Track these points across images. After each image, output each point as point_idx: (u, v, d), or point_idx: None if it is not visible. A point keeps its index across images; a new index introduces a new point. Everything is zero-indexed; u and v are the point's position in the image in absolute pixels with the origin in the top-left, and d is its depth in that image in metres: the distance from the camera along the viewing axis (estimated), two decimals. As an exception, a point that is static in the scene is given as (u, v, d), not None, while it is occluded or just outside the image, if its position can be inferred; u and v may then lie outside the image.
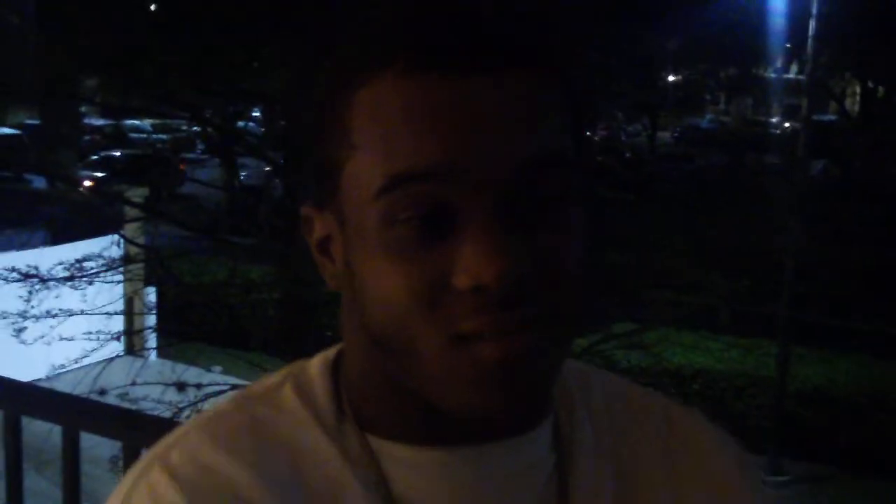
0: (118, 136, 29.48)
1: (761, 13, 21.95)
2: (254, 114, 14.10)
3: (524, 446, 0.89)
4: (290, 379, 0.92)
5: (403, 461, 0.87)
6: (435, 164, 0.74)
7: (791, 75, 37.55)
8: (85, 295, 9.31)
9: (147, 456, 0.88)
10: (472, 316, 0.75)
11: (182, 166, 22.17)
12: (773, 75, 36.34)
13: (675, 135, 42.10)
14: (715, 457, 1.00)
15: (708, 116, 48.94)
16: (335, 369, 0.92)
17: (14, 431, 2.30)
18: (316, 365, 0.93)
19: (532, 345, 0.77)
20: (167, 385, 8.92)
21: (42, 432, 2.26)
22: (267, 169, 13.40)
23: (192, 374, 10.04)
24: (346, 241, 0.81)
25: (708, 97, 49.52)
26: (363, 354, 0.86)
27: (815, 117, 18.10)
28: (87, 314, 9.23)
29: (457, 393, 0.78)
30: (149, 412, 6.11)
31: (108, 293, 9.68)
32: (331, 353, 0.94)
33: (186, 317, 12.85)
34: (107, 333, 9.23)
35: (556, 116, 0.78)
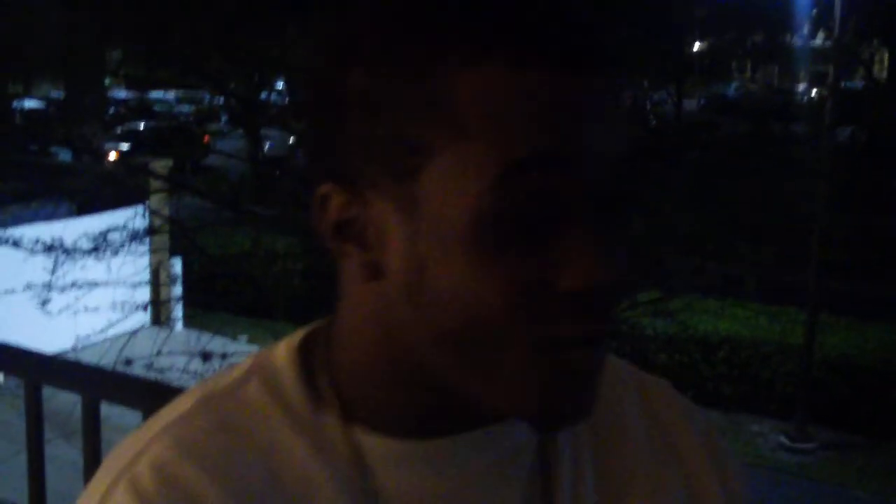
0: (142, 109, 29.49)
1: (788, -21, 21.73)
2: (278, 85, 14.08)
3: (508, 431, 0.87)
4: (256, 371, 0.88)
5: (388, 454, 0.84)
6: (554, 150, 0.72)
7: (818, 42, 37.20)
8: (110, 266, 9.34)
9: (114, 463, 0.83)
10: (574, 320, 0.73)
11: (206, 138, 22.19)
12: (799, 42, 36.03)
13: (702, 103, 41.84)
14: (683, 433, 0.99)
15: (734, 84, 48.58)
16: (305, 356, 0.88)
17: (34, 400, 2.30)
18: (282, 354, 0.89)
19: (605, 353, 0.77)
20: (192, 355, 8.95)
21: (69, 402, 2.27)
22: (291, 140, 13.40)
23: (217, 343, 10.07)
24: (416, 235, 0.75)
25: (734, 65, 49.16)
26: (372, 348, 0.82)
27: (842, 84, 17.94)
28: (112, 285, 9.27)
29: (539, 398, 0.76)
30: (174, 382, 6.14)
31: (133, 264, 9.72)
32: (295, 339, 0.90)
33: (212, 287, 12.90)
34: (132, 304, 9.26)
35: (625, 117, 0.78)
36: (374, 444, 0.83)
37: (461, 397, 0.78)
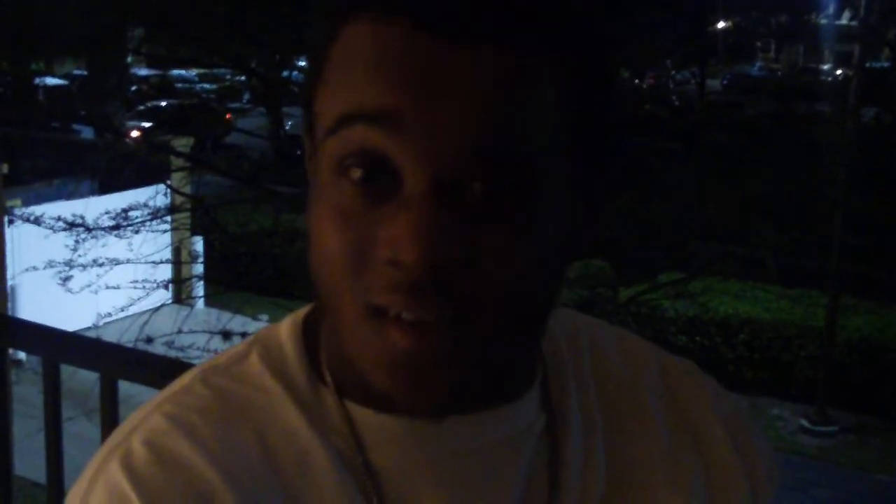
0: (165, 87, 29.60)
1: (814, -42, 21.55)
2: (299, 63, 14.08)
3: (511, 414, 0.86)
4: (257, 346, 0.88)
5: (382, 430, 0.83)
6: (385, 108, 0.70)
7: (843, 21, 36.94)
8: (131, 244, 9.38)
9: (112, 439, 0.84)
10: (386, 290, 0.71)
11: (227, 116, 22.24)
12: (824, 21, 35.80)
13: (725, 83, 41.63)
14: (705, 416, 0.97)
15: (758, 64, 48.33)
16: (308, 331, 0.88)
17: (52, 377, 2.31)
18: (286, 329, 0.89)
19: (449, 343, 0.72)
20: (213, 333, 8.98)
21: (90, 380, 2.27)
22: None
23: (237, 322, 10.11)
24: (309, 186, 0.78)
25: (758, 44, 48.90)
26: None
27: (867, 64, 17.79)
28: (133, 263, 9.31)
29: (370, 368, 0.75)
30: (194, 360, 6.16)
31: (154, 242, 9.75)
32: (300, 314, 0.90)
33: (233, 266, 12.93)
34: (153, 282, 9.30)
35: (540, 109, 0.72)
36: (369, 420, 0.83)
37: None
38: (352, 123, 0.71)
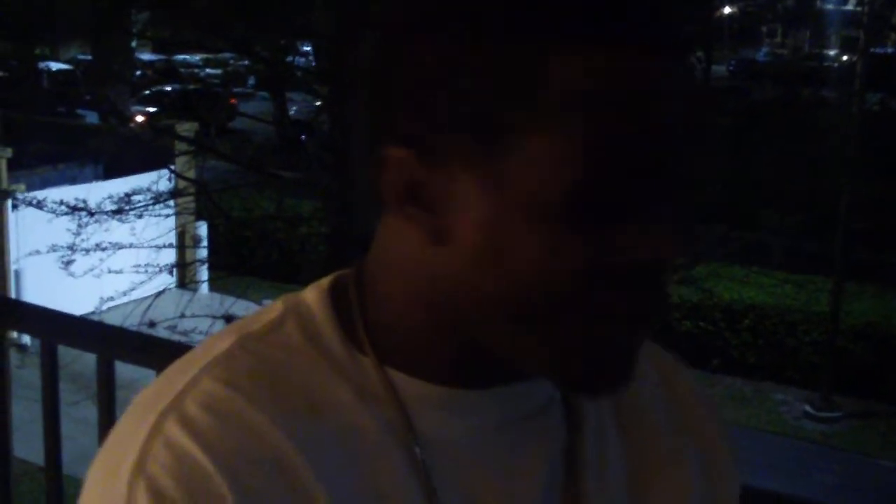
0: (169, 72, 29.54)
1: (820, -58, 21.44)
2: (304, 48, 14.05)
3: (535, 389, 0.86)
4: (291, 314, 0.86)
5: (426, 398, 0.83)
6: (642, 133, 0.73)
7: (849, 7, 36.83)
8: (134, 228, 9.39)
9: (152, 402, 0.79)
10: (631, 295, 0.75)
11: (232, 101, 22.22)
12: (830, 7, 35.69)
13: (731, 68, 41.51)
14: (695, 404, 0.99)
15: (764, 49, 48.20)
16: (337, 300, 0.87)
17: (50, 359, 2.31)
18: (314, 298, 0.87)
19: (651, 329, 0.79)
20: (216, 318, 8.99)
21: (95, 364, 2.27)
22: (317, 103, 13.39)
23: (241, 307, 10.11)
24: (497, 207, 0.75)
25: (764, 30, 48.75)
26: (417, 303, 0.82)
27: (872, 50, 17.75)
28: (136, 247, 9.32)
29: (584, 369, 0.78)
30: (196, 344, 6.16)
31: (157, 227, 9.76)
32: (324, 283, 0.88)
33: (237, 250, 12.94)
34: (156, 266, 9.31)
35: None
36: (412, 387, 0.83)
37: (498, 357, 0.80)
38: (611, 157, 0.73)
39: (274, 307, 0.87)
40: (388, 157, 0.78)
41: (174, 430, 0.76)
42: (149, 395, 0.81)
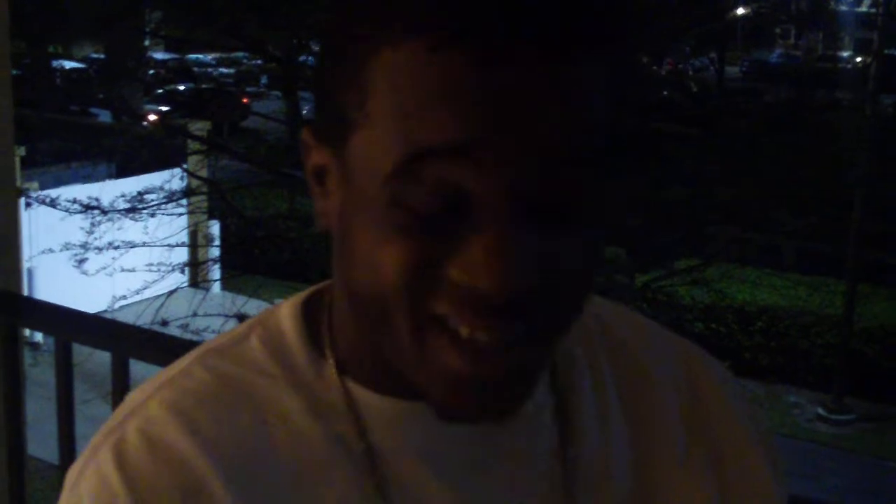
0: (182, 71, 29.61)
1: (834, -56, 21.40)
2: (317, 47, 14.07)
3: None
4: (257, 328, 0.86)
5: (383, 412, 0.82)
6: (459, 143, 0.67)
7: (863, 8, 36.75)
8: (147, 227, 9.41)
9: (111, 421, 0.83)
10: (455, 305, 0.70)
11: (244, 100, 22.26)
12: (844, 8, 35.59)
13: (744, 69, 41.45)
14: (726, 411, 0.94)
15: (777, 51, 48.14)
16: (309, 312, 0.87)
17: (64, 357, 2.30)
18: (287, 311, 0.87)
19: (514, 363, 0.71)
20: (228, 317, 9.01)
21: (108, 363, 2.27)
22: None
23: (253, 305, 10.13)
24: (345, 198, 0.75)
25: (778, 31, 48.68)
26: (344, 304, 0.81)
27: (887, 51, 17.71)
28: (148, 246, 9.34)
29: (427, 384, 0.74)
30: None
31: (170, 226, 9.77)
32: (301, 295, 0.88)
33: (249, 249, 12.95)
34: (168, 265, 9.33)
35: (595, 110, 0.70)
36: (371, 401, 0.81)
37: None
38: (421, 162, 0.68)
39: (248, 322, 0.89)
40: (301, 140, 0.81)
41: (106, 459, 0.79)
42: (116, 411, 0.84)
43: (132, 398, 0.84)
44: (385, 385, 0.81)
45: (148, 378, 0.85)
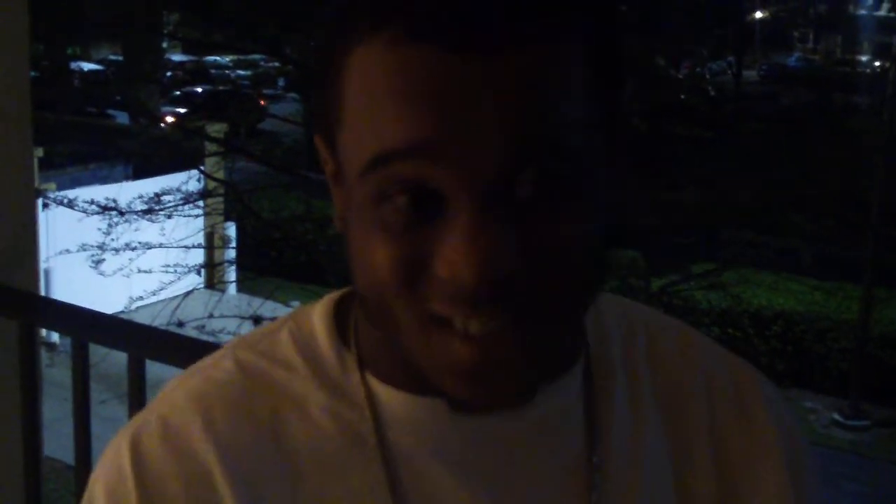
0: (199, 72, 29.71)
1: (853, -53, 21.35)
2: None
3: (543, 398, 0.84)
4: (289, 322, 0.89)
5: (402, 408, 0.83)
6: (419, 143, 0.68)
7: (882, 13, 36.64)
8: (163, 228, 9.43)
9: (146, 407, 0.87)
10: (447, 301, 0.71)
11: (262, 102, 22.29)
12: (863, 12, 35.51)
13: (762, 73, 41.36)
14: (766, 426, 0.93)
15: (795, 55, 48.02)
16: (341, 310, 0.88)
17: (81, 358, 2.31)
18: (319, 308, 0.89)
19: (516, 348, 0.72)
20: (244, 318, 9.03)
21: (124, 363, 2.27)
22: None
23: (268, 308, 10.14)
24: (343, 198, 0.78)
25: (796, 35, 48.55)
26: (359, 302, 0.83)
27: (906, 55, 17.65)
28: (165, 247, 9.36)
29: (438, 374, 0.75)
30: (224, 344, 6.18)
31: (186, 227, 9.79)
32: (335, 295, 0.90)
33: (265, 251, 12.97)
34: (185, 266, 9.35)
35: (560, 96, 0.70)
36: (389, 396, 0.83)
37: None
38: (386, 163, 0.69)
39: (283, 317, 0.91)
40: (316, 144, 0.82)
41: (124, 440, 0.84)
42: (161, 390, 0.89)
43: (171, 382, 0.87)
44: (403, 381, 0.82)
45: (166, 380, 0.87)
